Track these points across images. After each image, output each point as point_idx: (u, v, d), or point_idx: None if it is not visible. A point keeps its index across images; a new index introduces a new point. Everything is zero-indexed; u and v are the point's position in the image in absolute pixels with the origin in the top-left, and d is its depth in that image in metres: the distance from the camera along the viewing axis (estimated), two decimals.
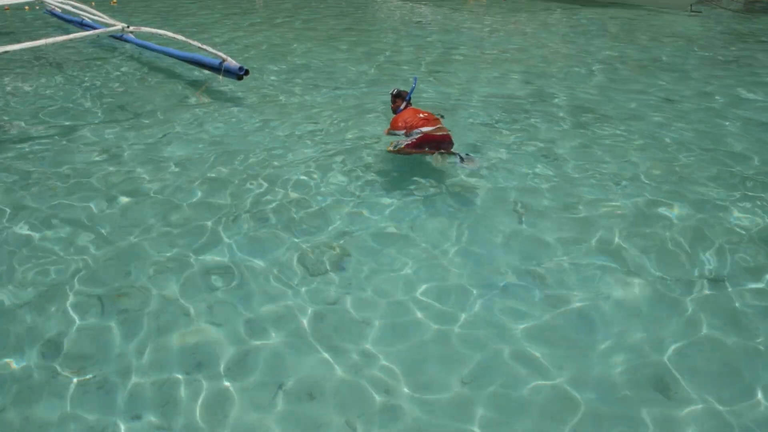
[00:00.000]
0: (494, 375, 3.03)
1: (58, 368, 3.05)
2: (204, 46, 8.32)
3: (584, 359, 3.14)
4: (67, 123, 6.69)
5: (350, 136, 6.24)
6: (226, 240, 4.26)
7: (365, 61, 9.93)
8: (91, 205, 4.76)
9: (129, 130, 6.46)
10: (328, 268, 3.92)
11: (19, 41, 8.44)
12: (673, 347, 3.21)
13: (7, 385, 2.94)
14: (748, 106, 7.35)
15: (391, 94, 5.74)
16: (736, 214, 4.57)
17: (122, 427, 2.74)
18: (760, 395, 2.89)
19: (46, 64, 9.38)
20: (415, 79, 5.94)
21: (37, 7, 13.21)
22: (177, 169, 5.43)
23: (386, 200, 4.82)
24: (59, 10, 12.32)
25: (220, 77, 8.02)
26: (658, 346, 3.23)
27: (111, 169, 5.44)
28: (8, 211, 4.64)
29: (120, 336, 3.30)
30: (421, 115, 5.39)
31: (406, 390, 2.93)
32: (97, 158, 5.70)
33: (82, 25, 11.16)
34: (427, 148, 5.20)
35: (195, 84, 8.39)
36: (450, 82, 8.51)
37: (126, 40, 10.18)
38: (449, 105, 7.27)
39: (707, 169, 5.40)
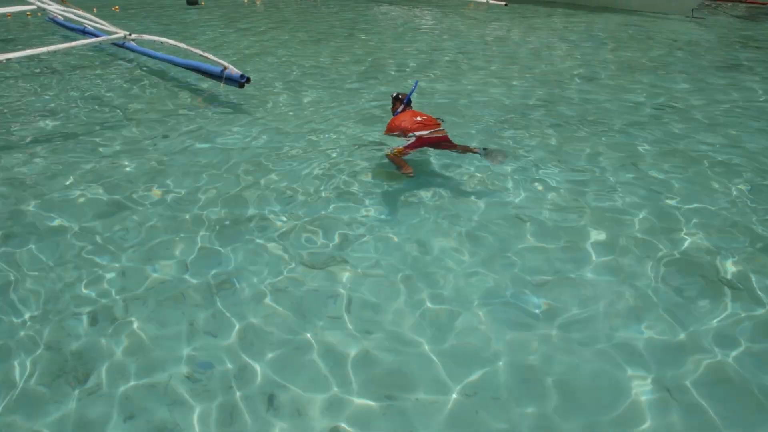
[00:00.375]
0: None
1: None
2: (206, 54, 8.32)
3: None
4: (67, 131, 6.69)
5: (350, 142, 6.23)
6: (222, 250, 4.23)
7: (366, 67, 9.93)
8: (90, 214, 4.74)
9: (129, 137, 6.45)
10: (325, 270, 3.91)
11: (21, 49, 8.46)
12: None
13: None
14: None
15: (391, 96, 5.86)
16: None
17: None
18: None
19: (48, 72, 9.39)
20: (416, 82, 6.00)
21: (39, 14, 13.26)
22: (178, 174, 5.42)
23: (384, 205, 4.82)
24: (61, 18, 12.37)
25: (222, 85, 8.02)
26: None
27: (111, 177, 5.42)
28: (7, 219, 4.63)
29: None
30: (418, 118, 5.42)
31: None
32: (97, 165, 5.68)
33: (85, 33, 11.19)
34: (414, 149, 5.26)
35: (196, 91, 8.38)
36: (451, 88, 8.49)
37: (128, 48, 10.20)
38: (450, 110, 7.26)
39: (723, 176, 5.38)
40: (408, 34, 13.66)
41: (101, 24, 10.33)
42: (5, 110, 7.44)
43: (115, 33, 9.24)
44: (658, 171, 5.48)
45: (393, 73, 9.48)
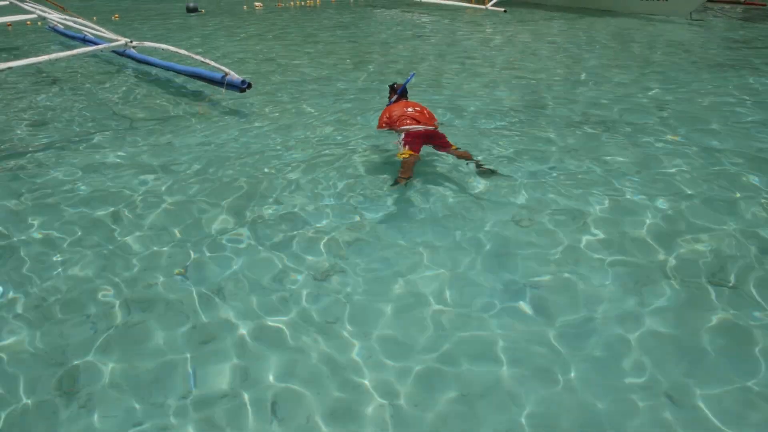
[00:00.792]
0: None
1: None
2: (207, 60, 8.33)
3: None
4: (69, 138, 6.68)
5: (348, 144, 6.20)
6: (220, 253, 4.19)
7: (366, 71, 9.95)
8: (101, 215, 4.73)
9: (130, 144, 6.44)
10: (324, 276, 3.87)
11: (23, 57, 8.46)
12: None
13: None
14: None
15: (389, 86, 6.00)
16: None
17: None
18: None
19: (49, 80, 9.41)
20: (412, 74, 6.09)
21: (40, 23, 13.31)
22: (178, 179, 5.40)
23: (382, 208, 4.79)
24: (62, 27, 12.41)
25: (223, 90, 8.02)
26: None
27: (110, 183, 5.40)
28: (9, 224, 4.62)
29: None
30: (409, 109, 5.41)
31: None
32: (100, 171, 5.67)
33: (85, 41, 11.22)
34: (424, 145, 5.26)
35: (198, 97, 8.39)
36: (450, 91, 8.49)
37: (128, 56, 10.18)
38: (449, 113, 7.26)
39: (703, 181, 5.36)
40: (408, 39, 13.70)
41: (102, 32, 10.36)
42: (7, 118, 7.44)
43: (116, 40, 9.26)
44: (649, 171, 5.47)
45: (393, 77, 9.49)
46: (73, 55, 8.36)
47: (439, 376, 3.05)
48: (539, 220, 4.56)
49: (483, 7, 17.88)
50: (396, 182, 5.05)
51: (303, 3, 20.06)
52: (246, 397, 2.90)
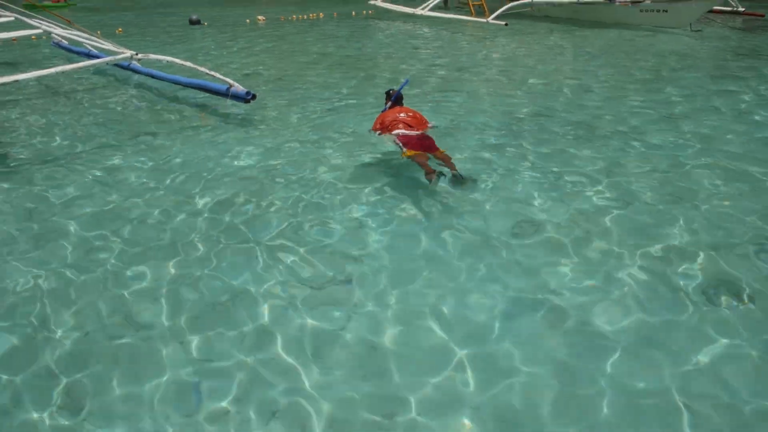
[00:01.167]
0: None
1: None
2: (211, 72, 8.40)
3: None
4: (75, 150, 6.71)
5: (353, 157, 6.22)
6: (217, 263, 4.19)
7: (364, 81, 10.01)
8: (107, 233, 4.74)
9: (134, 155, 6.46)
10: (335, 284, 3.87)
11: (29, 71, 8.52)
12: None
13: None
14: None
15: (385, 92, 6.19)
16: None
17: None
18: None
19: (54, 93, 9.46)
20: (407, 79, 6.19)
21: (45, 38, 13.38)
22: (180, 189, 5.42)
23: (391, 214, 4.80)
24: (66, 42, 12.49)
25: (228, 101, 8.08)
26: None
27: (114, 196, 5.43)
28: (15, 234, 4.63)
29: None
30: (402, 114, 5.56)
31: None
32: (103, 184, 5.69)
33: (90, 56, 11.28)
34: (421, 150, 5.33)
35: (200, 107, 8.44)
36: (451, 104, 8.52)
37: (133, 69, 10.26)
38: (451, 125, 7.29)
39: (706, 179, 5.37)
40: (408, 51, 13.80)
41: (106, 45, 10.43)
42: (13, 130, 7.48)
43: (122, 53, 9.33)
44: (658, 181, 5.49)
45: (390, 85, 9.54)
46: (80, 68, 8.43)
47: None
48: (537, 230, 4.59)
49: (484, 20, 18.00)
50: (429, 181, 5.11)
51: (305, 16, 20.22)
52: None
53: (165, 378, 3.09)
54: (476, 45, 14.67)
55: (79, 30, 11.02)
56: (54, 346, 3.34)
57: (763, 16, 19.98)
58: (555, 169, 5.77)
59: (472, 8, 20.09)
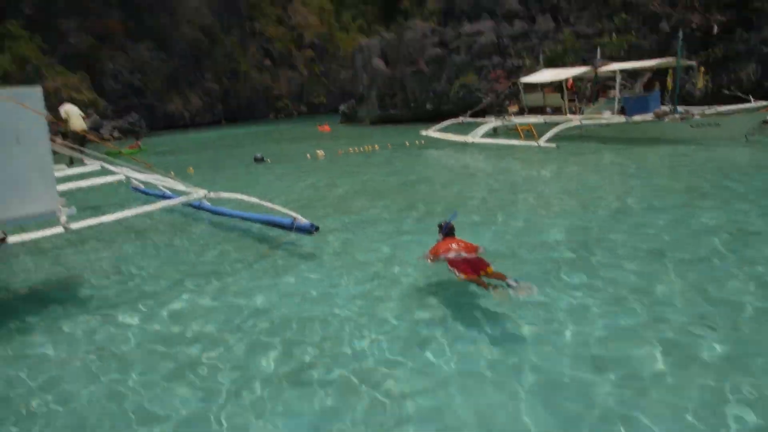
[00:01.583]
0: None
1: None
2: (276, 207, 8.81)
3: None
4: (147, 291, 7.02)
5: (415, 289, 6.24)
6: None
7: (419, 211, 10.22)
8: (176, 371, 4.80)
9: (205, 293, 6.69)
10: None
11: (109, 213, 9.17)
12: None
13: None
14: None
15: (437, 225, 6.40)
16: None
17: None
18: None
19: (125, 232, 10.08)
20: (455, 213, 6.55)
21: (124, 181, 14.52)
22: (253, 325, 5.51)
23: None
24: (143, 187, 13.56)
25: (293, 234, 8.37)
26: None
27: (189, 335, 5.56)
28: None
29: None
30: (454, 245, 5.71)
31: None
32: (180, 326, 5.86)
33: (165, 198, 12.08)
34: (471, 272, 5.51)
35: (267, 240, 8.76)
36: (504, 228, 8.55)
37: (202, 208, 10.89)
38: (503, 250, 7.28)
39: None
40: (464, 178, 14.16)
41: (180, 186, 11.18)
42: (94, 271, 7.94)
43: (194, 193, 9.95)
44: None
45: (444, 215, 9.65)
46: (155, 209, 8.98)
47: None
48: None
49: (535, 144, 18.34)
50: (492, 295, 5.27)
51: (361, 149, 21.28)
52: None
53: None
54: (529, 169, 14.90)
55: (156, 173, 11.89)
56: None
57: None
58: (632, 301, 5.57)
59: (521, 133, 20.63)
